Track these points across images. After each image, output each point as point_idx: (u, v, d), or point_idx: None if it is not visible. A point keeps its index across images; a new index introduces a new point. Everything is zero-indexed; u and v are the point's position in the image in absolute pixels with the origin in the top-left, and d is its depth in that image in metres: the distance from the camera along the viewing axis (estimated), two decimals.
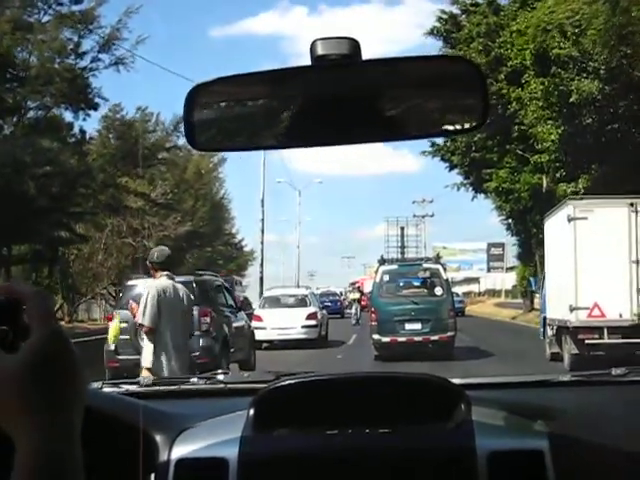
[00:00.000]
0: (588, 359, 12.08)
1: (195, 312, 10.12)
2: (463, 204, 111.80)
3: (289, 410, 1.58)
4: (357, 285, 31.77)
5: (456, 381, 1.74)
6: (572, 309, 12.45)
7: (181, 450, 1.54)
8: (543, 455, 1.47)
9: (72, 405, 0.73)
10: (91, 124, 52.09)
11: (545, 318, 15.33)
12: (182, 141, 43.09)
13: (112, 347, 10.97)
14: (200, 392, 2.13)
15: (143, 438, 1.56)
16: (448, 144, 35.39)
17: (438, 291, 15.31)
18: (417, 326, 14.99)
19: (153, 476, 1.53)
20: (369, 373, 1.79)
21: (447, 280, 16.41)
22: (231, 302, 13.79)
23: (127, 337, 9.87)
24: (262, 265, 35.35)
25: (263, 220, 33.11)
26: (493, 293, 62.69)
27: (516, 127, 28.40)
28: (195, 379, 2.22)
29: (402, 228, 59.46)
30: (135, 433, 1.55)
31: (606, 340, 12.06)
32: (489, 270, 57.53)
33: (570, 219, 12.62)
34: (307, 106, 1.21)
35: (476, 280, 68.41)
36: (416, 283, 15.70)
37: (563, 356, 13.32)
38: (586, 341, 12.21)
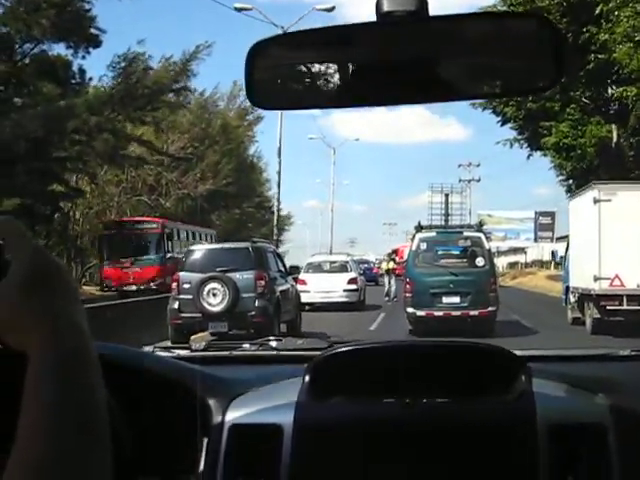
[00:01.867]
0: (608, 323, 14.80)
1: (251, 275, 13.32)
2: (512, 169, 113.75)
3: (344, 377, 1.67)
4: (390, 253, 31.61)
5: (517, 352, 1.79)
6: (596, 279, 15.22)
7: (235, 415, 1.64)
8: (605, 428, 1.55)
9: (72, 308, 0.83)
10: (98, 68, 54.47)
11: (568, 287, 18.31)
12: (192, 83, 40.33)
13: (176, 305, 13.37)
14: (253, 358, 2.26)
15: (197, 402, 1.64)
16: None
17: (479, 262, 15.19)
18: (455, 299, 14.91)
19: (206, 440, 1.63)
20: (425, 340, 2.01)
21: (489, 250, 16.34)
22: (281, 267, 15.94)
23: (190, 296, 12.80)
24: (277, 223, 33.06)
25: (279, 172, 29.84)
26: (541, 264, 61.05)
27: (592, 57, 26.03)
28: (247, 345, 2.37)
29: (446, 195, 61.52)
30: (189, 397, 1.64)
31: (625, 307, 14.88)
32: (536, 240, 57.18)
33: (596, 201, 15.46)
34: (371, 64, 1.28)
35: (522, 250, 68.44)
36: (455, 252, 15.57)
37: (585, 320, 16.25)
38: (607, 307, 15.07)
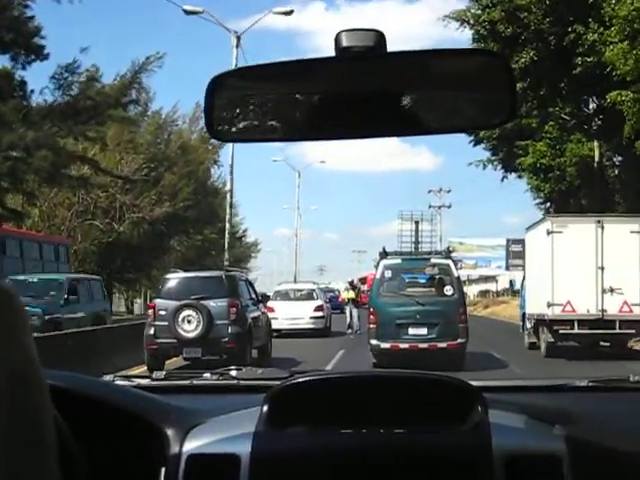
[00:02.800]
0: (560, 347, 17.13)
1: (225, 303, 14.50)
2: (484, 195, 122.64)
3: (303, 408, 1.76)
4: (351, 280, 27.37)
5: (473, 383, 1.89)
6: (549, 305, 17.23)
7: (193, 445, 1.73)
8: (561, 459, 1.65)
9: (21, 335, 0.89)
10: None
11: (524, 314, 20.93)
12: (147, 99, 38.96)
13: (152, 331, 14.40)
14: (213, 388, 2.37)
15: (154, 432, 1.75)
16: None
17: (448, 290, 15.00)
18: (422, 331, 14.70)
19: (164, 470, 1.70)
20: (384, 372, 2.04)
21: (458, 278, 16.22)
22: (253, 295, 17.17)
23: (165, 323, 13.88)
24: (226, 247, 30.52)
25: (231, 191, 28.35)
26: (513, 293, 63.86)
27: (578, 61, 24.13)
28: (208, 374, 2.48)
29: (416, 222, 64.19)
30: (147, 427, 1.75)
31: (576, 330, 16.92)
32: (507, 268, 57.94)
33: (549, 232, 17.49)
34: (330, 98, 1.38)
35: (494, 278, 69.60)
36: (422, 280, 15.48)
37: (540, 345, 18.30)
38: (560, 331, 17.11)
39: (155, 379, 2.41)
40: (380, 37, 1.28)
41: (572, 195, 30.95)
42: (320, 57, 1.37)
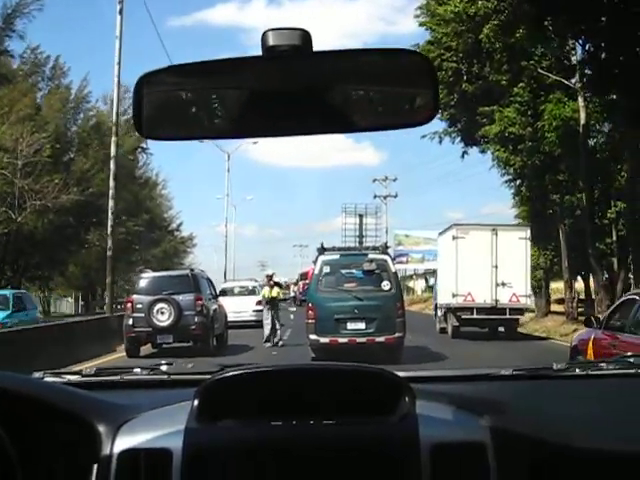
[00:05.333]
0: (464, 331, 22.22)
1: (192, 297, 18.52)
2: (431, 183, 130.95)
3: (233, 401, 1.83)
4: (270, 274, 23.72)
5: (401, 374, 2.00)
6: (454, 295, 22.30)
7: (124, 441, 1.77)
8: (485, 448, 1.75)
9: None
10: None
11: (436, 304, 26.28)
12: (18, 46, 38.84)
13: (130, 322, 18.12)
14: (143, 383, 2.46)
15: (85, 429, 1.77)
16: None
17: (385, 285, 16.40)
18: (360, 325, 16.03)
19: (96, 467, 1.74)
20: (313, 364, 2.08)
21: (395, 273, 17.28)
22: (212, 291, 21.06)
23: (142, 315, 17.88)
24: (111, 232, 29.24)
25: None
26: (429, 288, 59.50)
27: None
28: (138, 370, 2.57)
29: (360, 216, 65.78)
30: (78, 423, 1.77)
31: (475, 316, 22.21)
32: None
33: (454, 237, 22.71)
34: (256, 96, 1.52)
35: None
36: (360, 276, 16.72)
37: (447, 328, 23.41)
38: (462, 316, 22.36)
39: (85, 375, 2.50)
40: (306, 36, 1.44)
41: (548, 169, 28.39)
42: (247, 56, 1.51)
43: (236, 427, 1.82)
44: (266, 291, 21.63)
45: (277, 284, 22.90)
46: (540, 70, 27.07)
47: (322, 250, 17.21)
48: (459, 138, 31.97)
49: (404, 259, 63.54)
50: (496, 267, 22.30)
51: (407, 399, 1.82)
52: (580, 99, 26.32)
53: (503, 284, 22.26)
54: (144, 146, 51.62)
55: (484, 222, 24.92)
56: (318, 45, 1.49)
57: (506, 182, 33.04)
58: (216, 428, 1.81)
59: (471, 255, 22.20)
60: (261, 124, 1.56)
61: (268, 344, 21.36)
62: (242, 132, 1.64)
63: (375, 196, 66.06)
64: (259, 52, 1.48)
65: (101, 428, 1.79)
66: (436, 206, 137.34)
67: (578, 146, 26.06)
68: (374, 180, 67.44)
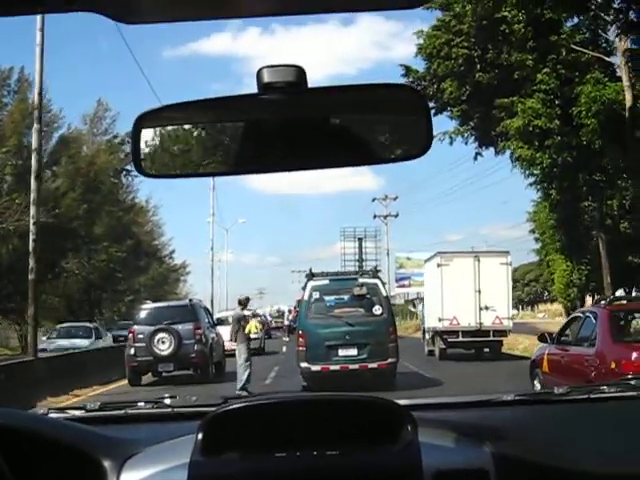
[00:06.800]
0: (450, 353, 24.88)
1: (191, 326, 20.48)
2: (430, 201, 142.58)
3: (237, 433, 1.92)
4: (244, 299, 20.92)
5: (402, 402, 2.12)
6: (440, 319, 24.87)
7: (129, 476, 1.85)
8: (488, 474, 1.85)
9: None
10: None
11: (424, 328, 28.71)
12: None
13: (132, 351, 19.89)
14: (147, 417, 2.58)
15: (90, 464, 1.84)
16: (436, 64, 26.84)
17: (377, 310, 17.32)
18: (352, 352, 16.89)
19: None
20: (315, 395, 2.20)
21: (387, 297, 18.04)
22: (210, 320, 22.91)
23: (143, 344, 19.85)
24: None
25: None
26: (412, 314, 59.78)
27: None
28: (142, 403, 2.72)
29: (360, 239, 68.46)
30: (82, 460, 1.84)
31: (460, 339, 24.87)
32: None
33: (439, 265, 25.44)
34: (253, 133, 1.68)
35: None
36: (351, 301, 17.74)
37: (434, 351, 25.73)
38: (448, 339, 24.92)
39: (89, 410, 2.62)
40: (301, 72, 1.60)
41: (583, 167, 26.38)
42: (243, 94, 1.68)
43: (240, 459, 1.91)
44: (252, 324, 20.68)
45: (254, 315, 19.85)
46: (574, 46, 24.74)
47: (311, 276, 17.97)
48: (473, 137, 29.42)
49: (406, 282, 65.23)
50: (479, 292, 25.13)
51: (409, 427, 1.92)
52: (625, 77, 23.59)
53: (486, 308, 25.10)
54: (128, 168, 51.86)
55: (477, 246, 28.44)
56: (312, 73, 1.59)
57: (531, 185, 30.12)
58: (220, 461, 1.91)
59: (455, 281, 24.95)
60: (258, 160, 1.69)
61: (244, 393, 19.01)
62: (240, 169, 1.78)
63: (375, 216, 67.24)
64: (253, 83, 1.61)
65: (106, 463, 1.88)
66: (435, 227, 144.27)
67: (623, 135, 23.53)
68: (374, 199, 68.50)
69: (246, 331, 18.62)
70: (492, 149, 29.81)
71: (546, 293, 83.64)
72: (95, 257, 44.67)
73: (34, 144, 21.75)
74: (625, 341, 11.15)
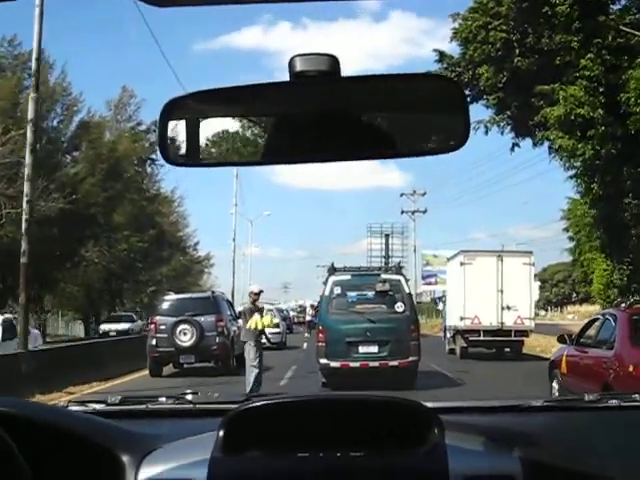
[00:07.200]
0: (471, 352, 25.70)
1: (213, 318, 21.09)
2: (460, 197, 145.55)
3: (259, 431, 1.92)
4: (256, 291, 18.16)
5: (429, 404, 2.11)
6: (462, 318, 25.62)
7: (149, 471, 1.86)
8: (515, 479, 1.84)
9: None
10: None
11: (445, 326, 29.85)
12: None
13: (154, 342, 20.62)
14: (168, 412, 2.61)
15: (109, 458, 1.85)
16: (473, 49, 25.75)
17: (399, 307, 17.36)
18: (373, 349, 16.94)
19: None
20: (341, 395, 2.20)
21: (410, 294, 17.99)
22: (232, 312, 23.22)
23: (165, 335, 20.48)
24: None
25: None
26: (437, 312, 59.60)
27: None
28: (164, 399, 2.73)
29: (387, 236, 68.89)
30: (100, 453, 1.85)
31: (482, 338, 25.57)
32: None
33: (462, 264, 26.19)
34: (284, 122, 1.67)
35: None
36: (373, 297, 17.75)
37: (455, 349, 26.68)
38: (470, 338, 25.73)
39: (110, 404, 2.65)
40: (334, 61, 1.58)
41: (628, 159, 25.11)
42: (274, 82, 1.66)
43: (262, 458, 1.91)
44: (255, 319, 16.12)
45: (259, 309, 17.18)
46: (623, 27, 23.36)
47: (333, 270, 18.06)
48: (509, 127, 28.08)
49: (432, 280, 65.51)
50: (501, 291, 25.76)
51: (436, 430, 1.92)
52: None
53: (508, 307, 25.84)
54: (153, 157, 52.17)
55: (504, 246, 26.57)
56: (343, 67, 1.58)
57: (571, 178, 28.73)
58: (241, 459, 1.91)
59: (478, 280, 25.61)
60: (289, 150, 1.68)
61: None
62: (269, 158, 1.76)
63: (403, 211, 67.14)
64: (286, 76, 1.59)
65: (125, 458, 1.90)
66: (463, 224, 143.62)
67: None
68: (401, 195, 68.51)
69: (250, 326, 16.47)
70: (530, 140, 28.87)
71: (574, 294, 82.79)
72: (116, 246, 44.62)
73: (30, 114, 21.24)
74: None
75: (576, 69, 24.08)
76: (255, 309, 16.54)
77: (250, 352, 16.10)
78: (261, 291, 17.47)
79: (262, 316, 16.61)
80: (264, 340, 18.07)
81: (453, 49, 27.94)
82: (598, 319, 12.82)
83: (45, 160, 35.74)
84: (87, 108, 47.06)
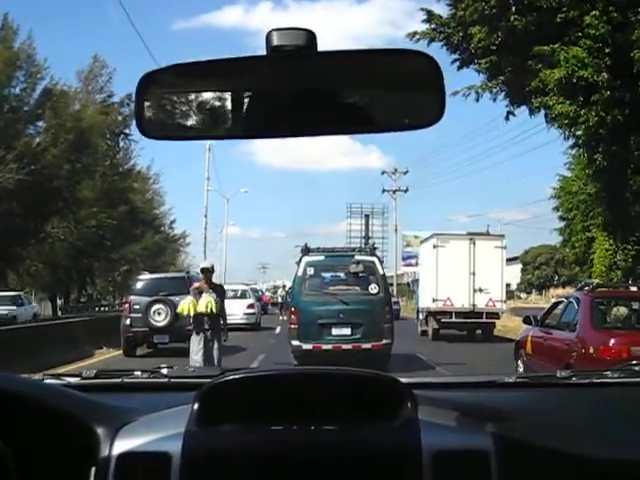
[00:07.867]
0: (442, 333, 27.03)
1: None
2: (443, 178, 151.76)
3: (233, 405, 2.00)
4: (207, 266, 16.35)
5: (403, 380, 2.20)
6: (434, 300, 26.90)
7: (123, 444, 1.94)
8: (488, 455, 1.93)
9: None
10: None
11: (418, 308, 30.80)
12: None
13: (128, 322, 21.59)
14: (143, 386, 2.68)
15: (84, 431, 1.92)
16: (463, 7, 23.70)
17: (373, 289, 17.87)
18: (346, 331, 17.48)
19: (94, 470, 1.91)
20: (315, 369, 2.31)
21: (384, 276, 18.42)
22: None
23: (139, 315, 21.51)
24: None
25: None
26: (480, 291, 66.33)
27: None
28: (139, 372, 2.83)
29: (367, 216, 69.74)
30: (76, 425, 1.92)
31: (454, 320, 27.05)
32: None
33: (434, 246, 27.59)
34: (260, 96, 1.74)
35: None
36: (346, 278, 18.26)
37: (427, 331, 27.69)
38: (442, 320, 27.13)
39: (85, 377, 2.73)
40: (311, 36, 1.66)
41: (635, 128, 23.60)
42: (251, 55, 1.73)
43: (236, 431, 2.00)
44: (187, 303, 14.69)
45: (216, 286, 15.36)
46: None
47: (306, 251, 18.36)
48: (503, 93, 26.13)
49: (413, 261, 65.73)
50: (473, 274, 27.43)
51: (409, 405, 2.00)
52: None
53: (480, 290, 27.43)
54: (127, 132, 51.85)
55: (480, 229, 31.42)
56: (323, 47, 1.66)
57: (571, 148, 27.33)
58: (216, 432, 1.99)
59: (450, 262, 27.13)
60: (265, 124, 1.74)
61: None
62: (245, 133, 1.84)
63: (384, 190, 68.09)
64: (264, 53, 1.64)
65: (99, 431, 1.97)
66: (444, 205, 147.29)
67: None
68: (383, 172, 70.13)
69: (181, 311, 14.90)
70: (525, 109, 27.15)
71: (557, 277, 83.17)
72: (83, 222, 44.56)
73: None
74: (605, 327, 12.31)
75: (579, 28, 22.60)
76: (201, 290, 14.47)
77: (194, 342, 14.38)
78: (212, 266, 15.73)
79: (199, 296, 14.14)
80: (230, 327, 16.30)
81: (441, 9, 26.42)
82: (562, 302, 13.86)
83: (5, 129, 35.43)
84: (51, 76, 45.64)
